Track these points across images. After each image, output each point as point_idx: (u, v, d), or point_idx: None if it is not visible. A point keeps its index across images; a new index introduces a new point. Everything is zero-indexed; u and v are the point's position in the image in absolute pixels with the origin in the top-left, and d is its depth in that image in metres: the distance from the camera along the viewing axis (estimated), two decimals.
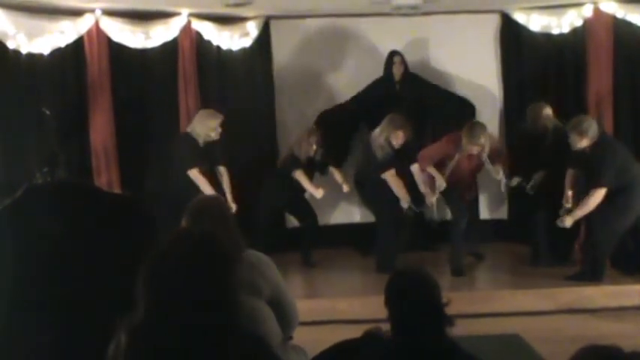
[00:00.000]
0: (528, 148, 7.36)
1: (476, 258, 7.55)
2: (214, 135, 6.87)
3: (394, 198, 7.22)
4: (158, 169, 7.13)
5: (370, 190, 7.44)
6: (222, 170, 7.12)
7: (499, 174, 7.21)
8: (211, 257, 1.98)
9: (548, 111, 7.23)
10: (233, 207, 6.56)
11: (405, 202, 7.19)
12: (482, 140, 6.89)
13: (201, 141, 6.85)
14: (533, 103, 7.37)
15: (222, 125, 6.89)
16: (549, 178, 7.17)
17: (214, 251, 2.01)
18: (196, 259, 1.96)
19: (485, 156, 7.06)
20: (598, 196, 6.42)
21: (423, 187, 7.26)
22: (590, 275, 6.61)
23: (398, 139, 7.15)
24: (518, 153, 7.64)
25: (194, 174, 6.76)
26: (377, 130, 7.23)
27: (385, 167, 7.17)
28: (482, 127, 6.99)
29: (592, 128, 6.47)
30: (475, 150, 6.94)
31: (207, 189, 6.69)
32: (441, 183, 7.07)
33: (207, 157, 6.91)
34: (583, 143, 6.50)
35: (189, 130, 6.92)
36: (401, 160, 7.26)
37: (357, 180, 7.57)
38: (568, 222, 6.50)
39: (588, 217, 6.63)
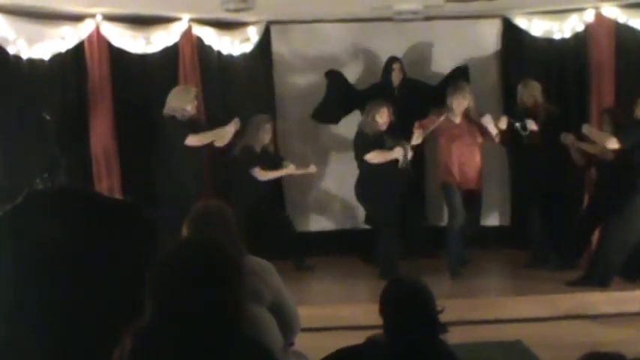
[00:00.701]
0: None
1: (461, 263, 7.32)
2: (190, 107, 6.88)
3: (389, 196, 7.15)
4: (163, 170, 7.08)
5: (364, 189, 7.35)
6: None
7: (501, 122, 7.09)
8: (217, 265, 1.97)
9: (538, 89, 7.22)
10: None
11: (399, 155, 7.14)
12: (468, 93, 7.00)
13: (180, 117, 6.84)
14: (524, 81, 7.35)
15: (197, 97, 6.97)
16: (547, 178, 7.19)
17: (220, 259, 2.00)
18: (202, 266, 1.95)
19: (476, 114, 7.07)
20: (607, 140, 6.48)
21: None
22: (598, 281, 6.56)
23: (383, 117, 7.11)
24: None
25: (191, 141, 6.77)
26: (362, 117, 7.26)
27: (370, 149, 7.14)
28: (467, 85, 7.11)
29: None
30: (462, 104, 6.99)
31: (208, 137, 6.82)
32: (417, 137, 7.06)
33: (190, 131, 6.87)
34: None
35: (166, 111, 6.89)
36: (388, 140, 7.20)
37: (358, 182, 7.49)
38: (568, 138, 6.82)
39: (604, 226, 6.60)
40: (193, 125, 6.93)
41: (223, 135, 6.96)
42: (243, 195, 7.17)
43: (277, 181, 7.83)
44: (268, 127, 7.38)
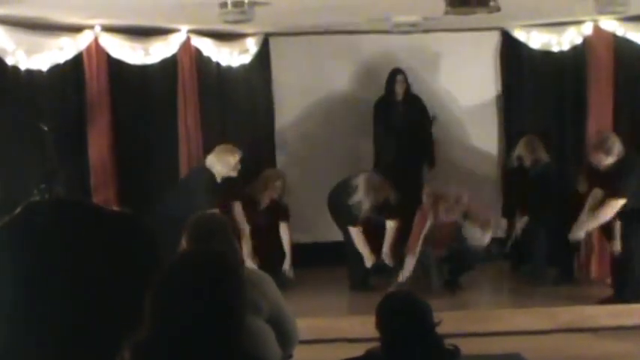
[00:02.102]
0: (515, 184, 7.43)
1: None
2: (234, 173, 6.78)
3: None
4: (171, 195, 6.87)
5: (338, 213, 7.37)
6: (237, 206, 7.10)
7: (479, 233, 6.91)
8: (218, 276, 1.96)
9: (540, 145, 7.28)
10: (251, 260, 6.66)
11: (368, 261, 7.17)
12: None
13: (219, 179, 6.76)
14: (526, 136, 7.42)
15: (241, 161, 6.80)
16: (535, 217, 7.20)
17: (221, 270, 1.99)
18: (203, 278, 1.94)
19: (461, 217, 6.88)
20: (613, 206, 6.26)
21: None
22: (631, 295, 6.50)
23: (378, 196, 7.05)
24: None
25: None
26: (360, 185, 7.06)
27: (357, 222, 7.15)
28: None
29: (616, 145, 6.31)
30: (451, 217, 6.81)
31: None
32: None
33: (224, 193, 6.83)
34: (608, 161, 6.30)
35: (207, 165, 6.80)
36: (380, 214, 7.20)
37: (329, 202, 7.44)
38: (579, 234, 6.40)
39: (623, 238, 6.49)
40: (229, 183, 6.83)
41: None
42: None
43: None
44: (279, 184, 7.36)
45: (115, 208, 6.84)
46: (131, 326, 1.38)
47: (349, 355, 3.04)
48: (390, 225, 7.22)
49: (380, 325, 2.97)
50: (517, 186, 7.53)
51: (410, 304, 2.97)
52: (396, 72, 7.91)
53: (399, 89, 7.88)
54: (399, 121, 7.89)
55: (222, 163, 6.76)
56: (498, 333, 6.29)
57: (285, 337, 3.42)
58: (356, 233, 7.17)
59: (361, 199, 7.01)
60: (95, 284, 1.32)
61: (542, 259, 7.30)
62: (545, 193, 7.19)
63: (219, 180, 6.78)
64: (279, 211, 7.48)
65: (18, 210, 1.37)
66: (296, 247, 7.84)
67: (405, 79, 7.90)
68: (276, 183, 7.37)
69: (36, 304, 1.31)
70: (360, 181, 7.07)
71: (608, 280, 7.11)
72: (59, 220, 1.31)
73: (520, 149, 7.42)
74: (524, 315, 6.52)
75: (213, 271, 1.93)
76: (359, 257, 7.23)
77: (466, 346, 3.03)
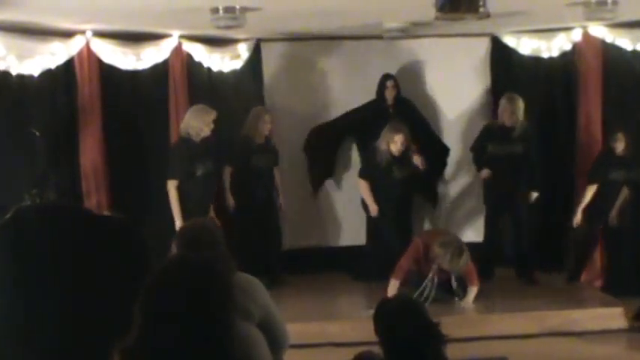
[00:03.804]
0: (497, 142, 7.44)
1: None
2: (208, 130, 6.85)
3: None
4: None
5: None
6: (227, 171, 7.38)
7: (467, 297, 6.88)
8: (207, 283, 1.98)
9: (521, 107, 7.35)
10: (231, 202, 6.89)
11: (373, 211, 7.39)
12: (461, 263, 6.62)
13: (197, 139, 6.82)
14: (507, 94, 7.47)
15: (215, 122, 6.92)
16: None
17: (210, 277, 2.01)
18: (192, 284, 1.96)
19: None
20: None
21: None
22: None
23: (396, 144, 7.18)
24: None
25: (171, 185, 6.75)
26: (379, 140, 7.37)
27: (365, 174, 7.41)
28: (460, 252, 6.62)
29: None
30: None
31: (175, 208, 6.69)
32: None
33: (207, 155, 6.89)
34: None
35: (183, 127, 6.88)
36: (401, 167, 7.38)
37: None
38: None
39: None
40: (205, 146, 6.90)
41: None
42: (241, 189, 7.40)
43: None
44: (267, 117, 7.50)
45: (106, 213, 6.85)
46: (120, 332, 1.39)
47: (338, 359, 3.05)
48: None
49: (380, 329, 2.96)
50: None
51: (407, 308, 2.98)
52: (386, 77, 7.95)
53: (390, 94, 7.91)
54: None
55: (199, 120, 6.81)
56: (485, 337, 6.32)
57: (276, 342, 3.43)
58: (364, 185, 7.39)
59: (385, 144, 7.30)
60: (85, 289, 1.33)
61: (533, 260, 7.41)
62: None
63: (197, 140, 6.82)
64: (271, 153, 7.66)
65: (8, 215, 1.38)
66: (286, 252, 7.88)
67: (396, 84, 7.93)
68: (265, 116, 7.50)
69: (24, 310, 1.32)
70: (385, 128, 7.34)
71: (598, 283, 7.16)
72: (49, 225, 1.33)
73: None
74: (512, 319, 6.56)
75: (201, 277, 1.96)
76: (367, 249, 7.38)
77: (453, 351, 3.05)
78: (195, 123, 6.81)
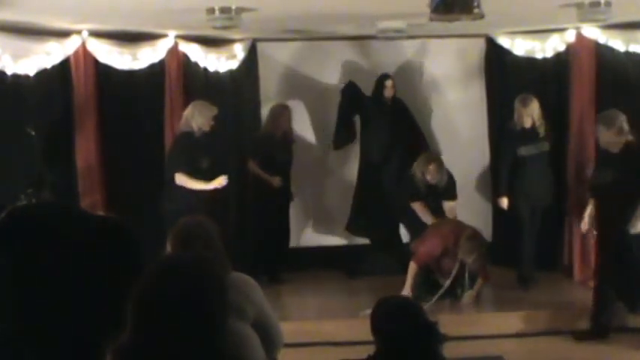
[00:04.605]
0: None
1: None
2: (208, 126, 6.90)
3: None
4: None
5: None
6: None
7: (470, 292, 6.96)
8: (201, 282, 2.00)
9: (537, 108, 7.29)
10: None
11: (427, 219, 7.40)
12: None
13: (198, 134, 6.87)
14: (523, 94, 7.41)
15: (215, 118, 6.97)
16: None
17: (204, 275, 2.03)
18: (186, 282, 1.98)
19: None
20: None
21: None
22: None
23: (431, 174, 7.27)
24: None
25: (179, 177, 6.75)
26: (415, 165, 7.42)
27: (414, 198, 7.44)
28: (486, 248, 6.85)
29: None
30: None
31: (195, 184, 6.73)
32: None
33: (210, 149, 6.95)
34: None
35: (183, 127, 6.91)
36: (432, 195, 7.43)
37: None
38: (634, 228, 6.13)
39: None
40: (207, 140, 6.96)
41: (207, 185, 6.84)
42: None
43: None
44: (287, 113, 7.68)
45: (101, 213, 6.86)
46: (113, 331, 1.41)
47: (334, 359, 3.06)
48: (450, 205, 7.42)
49: (376, 329, 2.97)
50: None
51: (405, 308, 2.99)
52: (384, 77, 7.98)
53: (388, 94, 7.95)
54: (388, 124, 7.96)
55: (203, 116, 6.85)
56: (481, 336, 6.34)
57: (270, 341, 3.45)
58: (419, 206, 7.43)
59: (420, 173, 7.34)
60: (78, 289, 1.35)
61: (531, 263, 7.41)
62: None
63: (197, 135, 6.85)
64: (289, 148, 7.85)
65: (3, 214, 1.40)
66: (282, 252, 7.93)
67: (394, 84, 7.98)
68: (286, 113, 7.73)
69: (17, 309, 1.34)
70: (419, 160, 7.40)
71: (591, 283, 7.17)
72: (44, 224, 1.34)
73: None
74: (507, 318, 6.57)
75: (194, 275, 1.97)
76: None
77: (448, 350, 3.06)
78: (200, 118, 6.87)
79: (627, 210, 6.14)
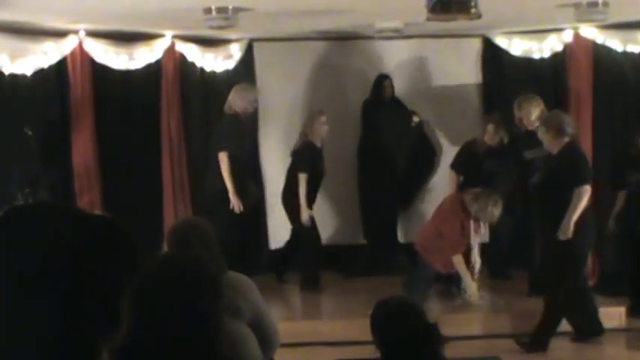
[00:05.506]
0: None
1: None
2: (251, 108, 7.22)
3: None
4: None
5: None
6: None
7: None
8: (197, 281, 2.00)
9: (539, 108, 7.14)
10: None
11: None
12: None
13: (244, 117, 7.14)
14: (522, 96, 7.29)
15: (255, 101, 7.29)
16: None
17: (200, 274, 2.02)
18: (182, 282, 1.98)
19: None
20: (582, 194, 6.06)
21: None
22: None
23: (489, 134, 7.34)
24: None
25: (223, 155, 6.93)
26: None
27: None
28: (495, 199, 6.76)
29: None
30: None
31: (227, 176, 6.90)
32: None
33: (252, 132, 7.26)
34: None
35: (230, 110, 7.13)
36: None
37: None
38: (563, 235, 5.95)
39: None
40: (250, 123, 7.35)
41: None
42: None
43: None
44: (324, 119, 7.45)
45: (98, 212, 6.85)
46: (109, 331, 1.41)
47: (330, 359, 3.06)
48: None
49: (376, 330, 2.97)
50: None
51: (405, 309, 2.99)
52: (383, 77, 8.00)
53: (387, 94, 7.97)
54: (388, 124, 7.98)
55: (244, 100, 7.13)
56: (478, 336, 6.34)
57: (266, 341, 3.45)
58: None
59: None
60: (74, 288, 1.35)
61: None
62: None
63: (243, 118, 7.17)
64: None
65: (0, 214, 1.39)
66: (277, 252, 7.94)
67: (392, 84, 7.99)
68: (321, 117, 7.43)
69: (14, 308, 1.34)
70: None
71: (590, 283, 7.15)
72: (41, 224, 1.34)
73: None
74: (504, 318, 6.57)
75: (190, 275, 1.97)
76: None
77: (446, 350, 3.06)
78: (241, 103, 7.12)
79: (551, 214, 6.03)
